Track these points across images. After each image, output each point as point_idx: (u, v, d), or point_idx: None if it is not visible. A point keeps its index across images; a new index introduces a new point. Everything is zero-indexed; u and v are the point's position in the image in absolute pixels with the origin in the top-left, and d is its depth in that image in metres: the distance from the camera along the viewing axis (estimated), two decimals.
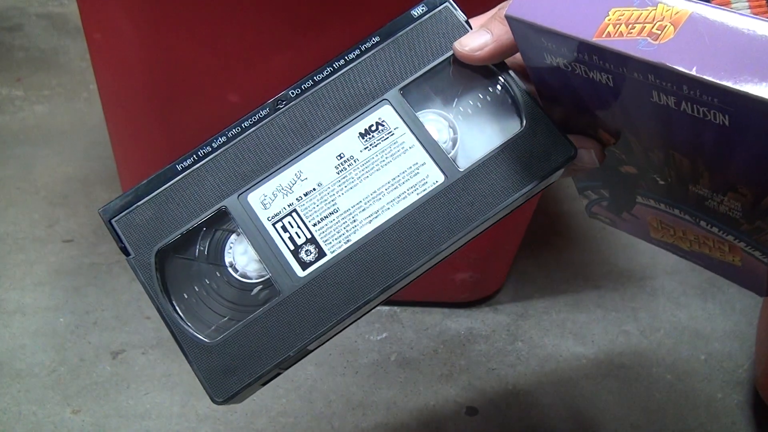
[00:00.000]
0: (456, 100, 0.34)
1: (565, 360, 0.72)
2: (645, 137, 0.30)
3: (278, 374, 0.32)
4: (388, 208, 0.31)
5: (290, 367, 0.33)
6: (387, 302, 0.75)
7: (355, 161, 0.32)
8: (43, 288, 0.73)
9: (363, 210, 0.31)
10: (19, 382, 0.63)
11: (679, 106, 0.25)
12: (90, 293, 0.73)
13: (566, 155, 0.31)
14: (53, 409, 0.61)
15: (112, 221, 0.32)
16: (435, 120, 0.33)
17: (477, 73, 0.33)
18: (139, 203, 0.33)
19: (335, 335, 0.33)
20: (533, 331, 0.75)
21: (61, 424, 0.60)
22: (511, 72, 0.32)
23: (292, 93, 0.34)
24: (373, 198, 0.32)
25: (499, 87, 0.33)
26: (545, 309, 0.78)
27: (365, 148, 0.32)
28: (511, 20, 0.28)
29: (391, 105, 0.32)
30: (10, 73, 1.07)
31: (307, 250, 0.31)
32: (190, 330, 0.34)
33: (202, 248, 0.33)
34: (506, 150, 0.31)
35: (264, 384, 0.32)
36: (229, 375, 0.31)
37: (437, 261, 0.33)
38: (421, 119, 0.32)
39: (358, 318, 0.32)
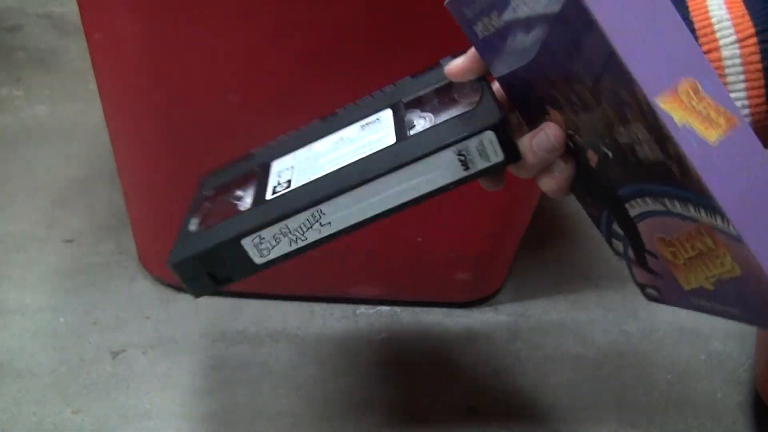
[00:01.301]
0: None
1: (565, 360, 0.72)
2: (567, 86, 0.32)
3: (228, 278, 0.41)
4: (347, 158, 0.39)
5: (237, 271, 0.41)
6: (387, 302, 0.75)
7: (348, 139, 0.42)
8: (43, 288, 0.73)
9: (329, 161, 0.40)
10: (19, 382, 0.63)
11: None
12: (90, 293, 0.73)
13: (493, 118, 0.35)
14: (53, 409, 0.61)
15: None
16: (421, 115, 0.40)
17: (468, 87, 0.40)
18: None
19: (281, 256, 0.41)
20: (533, 331, 0.75)
21: (61, 424, 0.60)
22: (485, 78, 0.38)
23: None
24: (340, 154, 0.40)
25: (476, 89, 0.39)
26: (545, 309, 0.78)
27: (360, 133, 0.42)
28: (450, 6, 0.33)
29: (392, 110, 0.41)
30: (10, 73, 1.07)
31: (280, 184, 0.42)
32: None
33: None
34: (449, 121, 0.37)
35: (216, 280, 0.42)
36: (187, 249, 0.42)
37: (378, 208, 0.38)
38: (411, 115, 0.40)
39: (299, 245, 0.40)
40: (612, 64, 0.29)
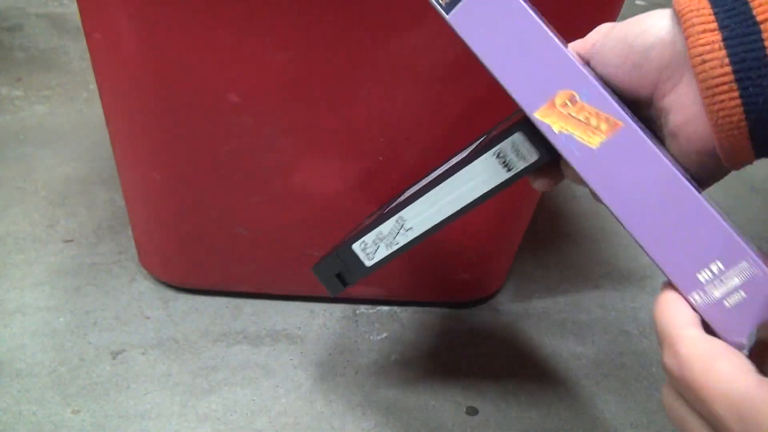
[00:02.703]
0: None
1: (565, 360, 0.72)
2: None
3: (347, 278, 0.48)
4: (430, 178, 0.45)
5: (354, 270, 0.48)
6: (387, 302, 0.75)
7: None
8: (43, 288, 0.73)
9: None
10: (19, 382, 0.63)
11: None
12: (90, 293, 0.73)
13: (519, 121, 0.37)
14: (53, 409, 0.61)
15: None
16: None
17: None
18: None
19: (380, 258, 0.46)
20: (533, 331, 0.75)
21: (61, 424, 0.60)
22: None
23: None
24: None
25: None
26: (545, 309, 0.78)
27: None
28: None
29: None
30: (10, 73, 1.07)
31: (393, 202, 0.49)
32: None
33: None
34: (496, 135, 0.40)
35: (342, 279, 0.49)
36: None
37: (445, 212, 0.42)
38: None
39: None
40: None
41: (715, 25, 0.30)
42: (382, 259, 0.47)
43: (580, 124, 0.31)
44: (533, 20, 0.31)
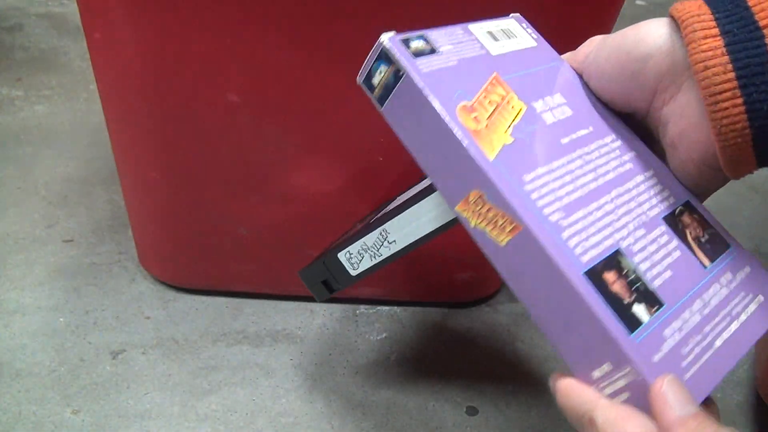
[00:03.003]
0: None
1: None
2: None
3: (333, 285, 0.49)
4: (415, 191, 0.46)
5: (341, 279, 0.48)
6: (387, 302, 0.75)
7: None
8: (43, 288, 0.73)
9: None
10: (19, 382, 0.63)
11: None
12: (90, 293, 0.73)
13: None
14: (53, 409, 0.61)
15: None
16: None
17: None
18: None
19: (365, 270, 0.47)
20: (533, 331, 0.75)
21: (61, 424, 0.60)
22: None
23: None
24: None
25: None
26: None
27: None
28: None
29: None
30: (10, 73, 1.07)
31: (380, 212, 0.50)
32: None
33: None
34: None
35: (327, 286, 0.50)
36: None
37: (428, 227, 0.44)
38: None
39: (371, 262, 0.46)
40: None
41: (716, 30, 0.30)
42: (367, 269, 0.47)
43: (490, 223, 0.32)
44: (443, 122, 0.32)
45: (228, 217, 0.65)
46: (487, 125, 0.33)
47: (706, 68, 0.30)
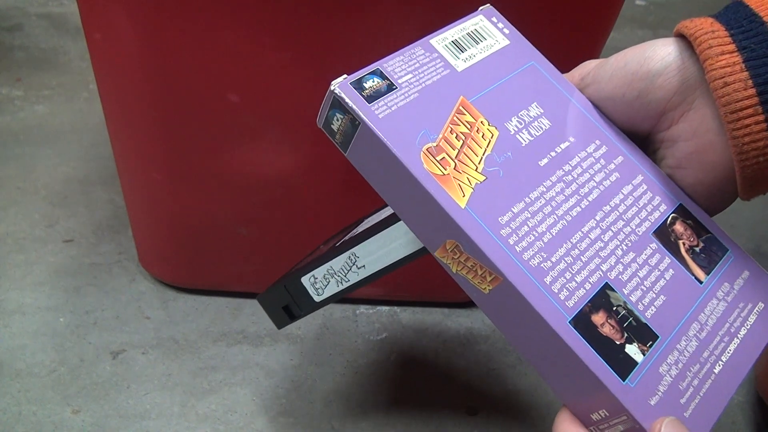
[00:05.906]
0: None
1: None
2: None
3: (294, 311, 0.46)
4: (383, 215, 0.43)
5: (299, 307, 0.46)
6: (387, 302, 0.75)
7: None
8: (43, 288, 0.73)
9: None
10: (19, 382, 0.63)
11: None
12: (90, 293, 0.73)
13: None
14: (53, 409, 0.61)
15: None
16: None
17: None
18: None
19: (331, 298, 0.45)
20: None
21: (61, 424, 0.60)
22: None
23: None
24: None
25: None
26: None
27: None
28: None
29: None
30: (10, 73, 1.07)
31: (347, 235, 0.46)
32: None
33: None
34: None
35: (288, 311, 0.47)
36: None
37: (399, 253, 0.42)
38: None
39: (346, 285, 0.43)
40: None
41: (733, 46, 0.29)
42: (332, 295, 0.44)
43: (470, 271, 0.31)
44: (407, 171, 0.30)
45: (228, 217, 0.65)
46: (456, 166, 0.31)
47: (726, 84, 0.29)
